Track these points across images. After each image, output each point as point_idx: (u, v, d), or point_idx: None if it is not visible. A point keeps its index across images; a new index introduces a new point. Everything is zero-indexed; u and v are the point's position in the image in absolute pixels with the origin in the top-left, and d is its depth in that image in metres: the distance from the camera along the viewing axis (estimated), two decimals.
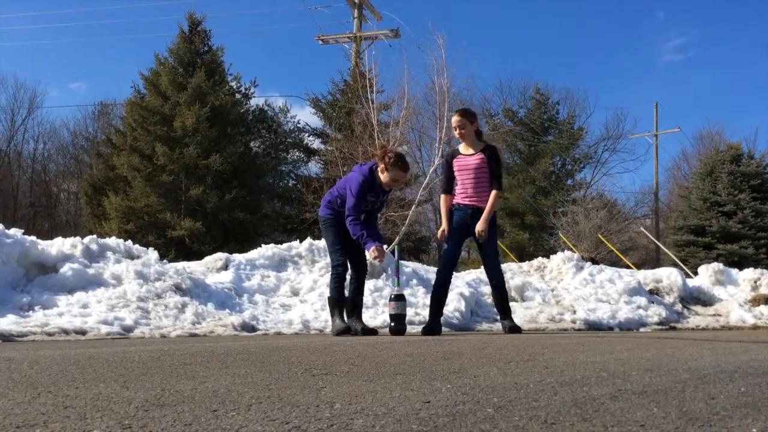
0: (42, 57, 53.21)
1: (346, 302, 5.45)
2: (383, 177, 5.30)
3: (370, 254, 5.16)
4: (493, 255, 5.91)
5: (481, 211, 5.62)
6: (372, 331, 5.39)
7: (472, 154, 5.70)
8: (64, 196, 35.71)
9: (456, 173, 5.78)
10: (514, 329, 5.89)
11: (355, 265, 5.54)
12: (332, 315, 5.44)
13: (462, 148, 5.80)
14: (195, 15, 22.91)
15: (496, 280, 5.88)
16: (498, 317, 6.39)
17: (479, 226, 5.58)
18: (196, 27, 22.86)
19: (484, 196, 5.66)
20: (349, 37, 24.44)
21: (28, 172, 35.05)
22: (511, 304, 8.47)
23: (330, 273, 5.53)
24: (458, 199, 5.77)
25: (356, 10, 24.41)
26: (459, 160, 5.76)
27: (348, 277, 5.52)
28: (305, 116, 49.72)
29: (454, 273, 6.65)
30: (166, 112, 21.15)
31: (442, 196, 5.95)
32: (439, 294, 5.83)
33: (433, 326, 5.75)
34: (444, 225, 5.81)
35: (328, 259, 8.28)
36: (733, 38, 58.21)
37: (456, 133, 5.80)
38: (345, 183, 5.45)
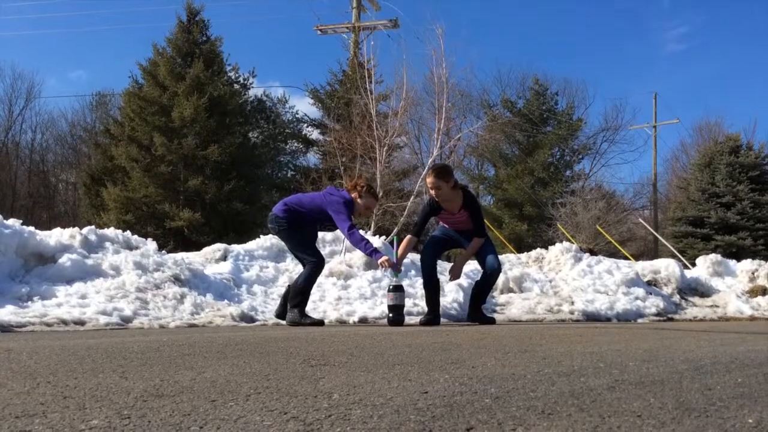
0: (41, 47, 53.05)
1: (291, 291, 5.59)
2: (359, 202, 5.54)
3: (381, 264, 5.39)
4: (493, 251, 6.06)
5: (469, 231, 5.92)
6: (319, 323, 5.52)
7: (457, 212, 5.85)
8: (62, 187, 35.67)
9: (442, 221, 6.08)
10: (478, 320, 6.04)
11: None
12: (301, 305, 5.48)
13: (444, 205, 5.86)
14: (193, 5, 22.82)
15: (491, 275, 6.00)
16: (495, 309, 6.45)
17: (453, 272, 6.05)
18: (194, 17, 22.76)
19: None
20: (347, 27, 24.36)
21: (27, 162, 34.98)
22: (510, 295, 8.52)
23: (311, 266, 5.52)
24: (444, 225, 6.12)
25: (355, 0, 24.31)
26: (444, 215, 5.96)
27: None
28: (304, 107, 49.69)
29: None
30: (165, 103, 21.10)
31: (408, 237, 6.01)
32: (431, 285, 6.03)
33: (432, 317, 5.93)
34: (394, 259, 5.76)
35: (326, 250, 8.31)
36: (732, 28, 58.09)
37: (433, 193, 5.80)
38: (324, 203, 5.47)
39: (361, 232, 8.75)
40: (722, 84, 58.34)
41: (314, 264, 5.53)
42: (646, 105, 57.73)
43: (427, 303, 6.05)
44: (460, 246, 6.25)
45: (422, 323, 5.81)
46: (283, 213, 5.59)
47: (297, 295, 5.50)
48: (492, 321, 6.26)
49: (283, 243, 7.98)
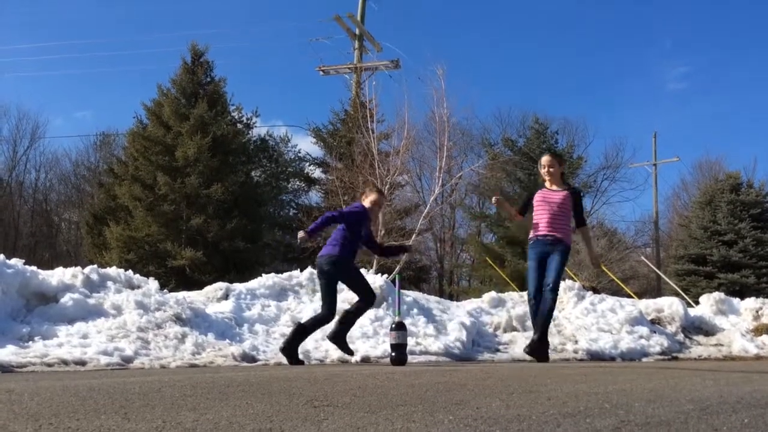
0: (46, 87, 53.70)
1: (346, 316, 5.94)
2: (366, 203, 5.98)
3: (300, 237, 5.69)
4: (555, 274, 5.94)
5: (558, 240, 5.90)
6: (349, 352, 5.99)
7: (557, 191, 6.05)
8: (65, 226, 35.71)
9: (536, 206, 6.08)
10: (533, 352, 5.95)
11: (365, 294, 5.92)
12: (297, 340, 5.77)
13: (547, 185, 6.15)
14: (198, 46, 23.15)
15: (547, 299, 5.91)
16: (498, 348, 6.44)
17: (593, 262, 6.62)
18: (198, 58, 23.08)
19: (560, 228, 5.93)
20: (349, 68, 24.67)
21: (30, 201, 35.11)
22: (513, 333, 8.46)
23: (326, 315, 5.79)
24: (536, 232, 6.02)
25: (357, 42, 24.69)
26: (543, 193, 6.09)
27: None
28: (306, 145, 50.06)
29: (459, 304, 6.87)
30: (168, 142, 21.26)
31: (515, 210, 6.43)
32: (535, 308, 5.97)
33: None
34: (503, 202, 6.25)
35: None
36: (731, 68, 58.77)
37: (544, 170, 6.15)
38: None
39: (363, 271, 8.77)
40: (722, 122, 58.81)
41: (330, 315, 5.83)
42: (645, 143, 58.05)
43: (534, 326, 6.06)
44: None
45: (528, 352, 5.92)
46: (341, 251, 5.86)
47: (301, 334, 5.85)
48: (547, 358, 6.05)
49: (284, 281, 8.02)
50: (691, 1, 59.06)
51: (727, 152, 62.25)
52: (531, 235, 6.11)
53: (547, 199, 6.03)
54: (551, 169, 6.12)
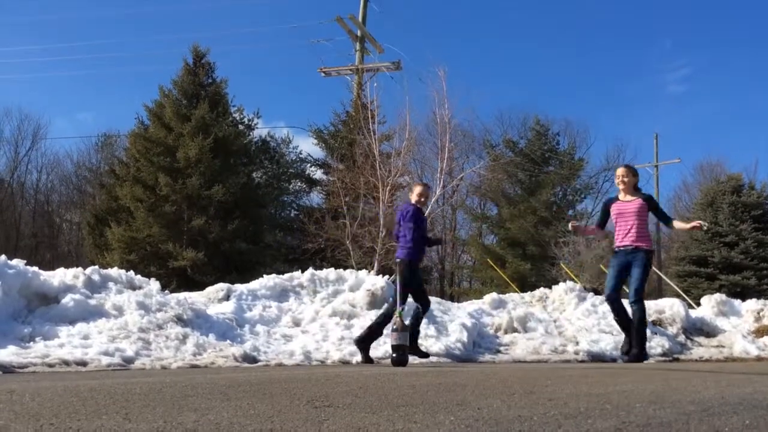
0: (49, 88, 53.78)
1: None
2: (412, 198, 6.38)
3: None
4: (637, 283, 6.20)
5: (637, 249, 6.16)
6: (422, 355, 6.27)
7: (631, 200, 6.32)
8: (66, 227, 35.73)
9: (614, 217, 6.38)
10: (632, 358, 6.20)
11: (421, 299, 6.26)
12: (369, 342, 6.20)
13: (621, 195, 6.45)
14: (200, 48, 23.18)
15: (634, 308, 6.19)
16: (499, 349, 6.51)
17: (693, 223, 6.27)
18: (200, 60, 23.11)
19: (638, 236, 6.20)
20: (351, 70, 24.67)
21: (31, 202, 35.14)
22: (514, 335, 8.45)
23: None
24: (618, 242, 6.32)
25: (358, 43, 24.69)
26: (618, 204, 6.39)
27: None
28: (307, 147, 50.05)
29: (460, 305, 7.01)
30: (170, 143, 21.28)
31: (594, 226, 7.03)
32: (619, 314, 6.24)
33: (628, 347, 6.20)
34: (580, 226, 6.81)
35: (330, 290, 8.31)
36: (733, 68, 58.74)
37: (618, 181, 6.49)
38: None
39: (364, 272, 8.75)
40: (723, 124, 58.77)
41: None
42: (647, 144, 58.11)
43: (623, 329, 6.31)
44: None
45: (625, 357, 6.21)
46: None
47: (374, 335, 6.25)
48: (645, 357, 6.38)
49: (285, 282, 8.03)
50: (692, 2, 59.05)
51: (729, 154, 62.29)
52: (614, 244, 6.48)
53: (622, 210, 6.35)
54: (625, 179, 6.43)
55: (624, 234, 6.25)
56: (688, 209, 34.29)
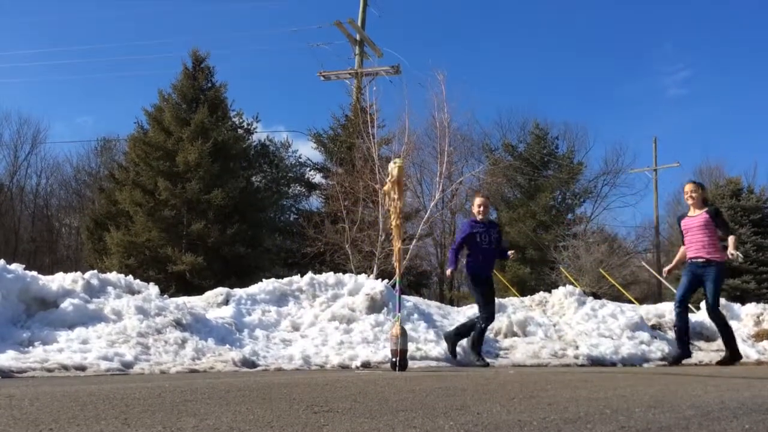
0: (48, 92, 53.82)
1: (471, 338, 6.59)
2: (474, 211, 6.66)
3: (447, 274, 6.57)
4: (712, 297, 6.68)
5: (707, 261, 6.53)
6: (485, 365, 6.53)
7: (698, 215, 6.70)
8: (65, 231, 35.70)
9: (683, 232, 6.83)
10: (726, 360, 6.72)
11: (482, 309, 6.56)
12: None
13: (690, 211, 6.84)
14: (199, 52, 23.20)
15: (713, 318, 6.75)
16: (499, 353, 6.69)
17: (731, 249, 6.52)
18: (199, 64, 23.12)
19: (707, 249, 6.55)
20: (350, 73, 24.70)
21: (30, 206, 35.11)
22: (514, 339, 8.44)
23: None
24: (690, 255, 6.73)
25: (357, 47, 24.73)
26: (686, 220, 6.82)
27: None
28: (307, 151, 50.09)
29: (460, 309, 7.24)
30: (169, 148, 21.28)
31: (681, 248, 7.29)
32: (680, 323, 6.80)
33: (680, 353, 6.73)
34: (670, 265, 7.36)
35: (329, 294, 8.30)
36: (732, 71, 58.83)
37: (687, 197, 6.92)
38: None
39: (363, 276, 8.74)
40: (723, 127, 58.86)
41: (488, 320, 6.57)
42: (646, 148, 58.10)
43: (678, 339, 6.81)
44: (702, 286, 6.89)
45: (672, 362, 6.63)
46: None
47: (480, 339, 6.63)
48: (737, 357, 6.86)
49: (285, 286, 8.03)
50: (692, 5, 59.17)
51: (728, 157, 62.20)
52: (687, 257, 6.85)
53: (689, 225, 6.73)
54: (693, 195, 6.79)
55: (695, 248, 6.60)
56: None
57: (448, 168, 14.74)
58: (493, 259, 6.82)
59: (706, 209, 6.75)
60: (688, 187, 6.95)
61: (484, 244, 6.45)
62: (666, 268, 7.19)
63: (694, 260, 6.63)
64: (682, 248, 7.13)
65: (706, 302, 6.62)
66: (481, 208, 6.60)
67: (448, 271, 6.50)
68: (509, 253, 6.91)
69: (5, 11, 50.37)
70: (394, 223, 6.01)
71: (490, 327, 8.73)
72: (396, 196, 5.97)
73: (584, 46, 59.89)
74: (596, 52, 59.90)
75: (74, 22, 56.41)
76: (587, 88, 59.16)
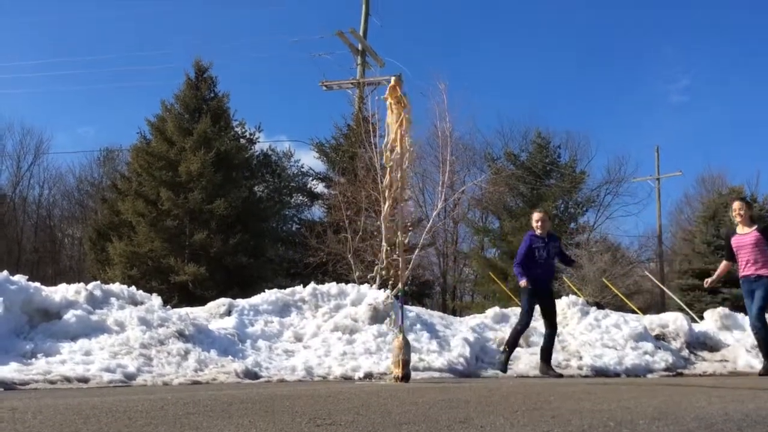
0: (51, 103, 54.01)
1: (541, 351, 6.71)
2: (532, 225, 6.75)
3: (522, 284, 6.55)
4: (759, 306, 6.74)
5: (759, 277, 6.65)
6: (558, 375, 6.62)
7: (748, 233, 6.83)
8: (68, 242, 35.73)
9: (735, 251, 6.89)
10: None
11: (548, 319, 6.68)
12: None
13: (738, 228, 6.95)
14: (202, 62, 23.27)
15: (755, 327, 6.76)
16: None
17: None
18: (202, 74, 23.19)
19: (758, 265, 6.67)
20: (352, 83, 24.79)
21: (33, 217, 35.17)
22: (517, 349, 8.41)
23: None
24: (741, 272, 6.81)
25: (359, 57, 24.83)
26: (736, 238, 6.90)
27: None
28: (309, 160, 50.18)
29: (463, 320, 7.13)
30: (172, 158, 21.32)
31: (723, 262, 7.30)
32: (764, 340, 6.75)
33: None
34: (713, 276, 7.26)
35: (331, 304, 8.30)
36: (734, 78, 58.88)
37: (735, 215, 7.04)
38: None
39: (365, 286, 8.73)
40: (725, 135, 58.83)
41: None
42: (648, 156, 58.06)
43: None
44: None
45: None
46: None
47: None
48: None
49: (287, 297, 8.01)
50: (693, 13, 59.36)
51: (730, 166, 62.17)
52: (740, 274, 6.90)
53: (740, 243, 6.84)
54: (741, 212, 6.94)
55: (746, 265, 6.72)
56: (691, 222, 34.26)
57: (450, 177, 14.75)
58: (552, 272, 7.02)
59: (756, 227, 6.91)
60: (737, 205, 7.11)
61: (542, 258, 6.60)
62: (708, 280, 7.26)
63: (747, 277, 6.78)
64: (725, 263, 7.26)
65: (751, 312, 6.74)
66: (539, 223, 6.73)
67: (523, 282, 6.59)
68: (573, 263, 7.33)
69: (5, 11, 50.62)
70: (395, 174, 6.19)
71: (493, 338, 8.72)
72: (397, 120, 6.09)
73: (586, 54, 60.04)
74: (598, 60, 60.03)
75: (77, 32, 56.72)
76: (589, 95, 59.24)
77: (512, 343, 6.63)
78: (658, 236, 35.49)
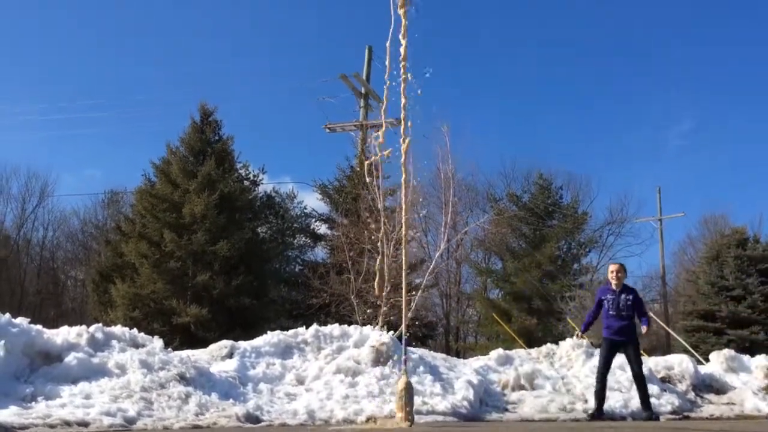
0: (56, 146, 54.62)
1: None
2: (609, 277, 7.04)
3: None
4: None
5: None
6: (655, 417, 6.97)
7: None
8: (71, 284, 35.71)
9: None
10: None
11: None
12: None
13: None
14: (207, 106, 23.59)
15: None
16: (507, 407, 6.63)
17: None
18: (207, 117, 23.49)
19: None
20: (355, 125, 25.07)
21: (36, 259, 35.20)
22: (522, 392, 8.33)
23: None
24: None
25: (362, 100, 25.16)
26: None
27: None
28: (312, 202, 50.39)
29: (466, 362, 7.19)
30: (176, 200, 21.45)
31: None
32: None
33: None
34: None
35: (334, 346, 8.26)
36: (736, 120, 59.30)
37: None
38: None
39: (368, 327, 8.71)
40: (727, 176, 59.00)
41: None
42: (650, 197, 58.03)
43: None
44: None
45: None
46: None
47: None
48: None
49: (290, 338, 7.98)
50: (695, 55, 60.18)
51: (733, 206, 62.09)
52: None
53: None
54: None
55: None
56: (693, 263, 34.15)
57: (453, 218, 14.82)
58: (626, 324, 7.07)
59: None
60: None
61: (612, 310, 6.68)
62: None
63: None
64: None
65: None
66: (613, 274, 6.78)
67: (579, 334, 6.78)
68: (644, 326, 7.38)
69: (11, 74, 51.54)
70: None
71: (497, 380, 8.64)
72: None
73: (587, 96, 60.71)
74: (599, 103, 60.67)
75: (83, 76, 57.62)
76: (591, 137, 59.70)
77: (598, 389, 6.91)
78: (661, 277, 35.36)
